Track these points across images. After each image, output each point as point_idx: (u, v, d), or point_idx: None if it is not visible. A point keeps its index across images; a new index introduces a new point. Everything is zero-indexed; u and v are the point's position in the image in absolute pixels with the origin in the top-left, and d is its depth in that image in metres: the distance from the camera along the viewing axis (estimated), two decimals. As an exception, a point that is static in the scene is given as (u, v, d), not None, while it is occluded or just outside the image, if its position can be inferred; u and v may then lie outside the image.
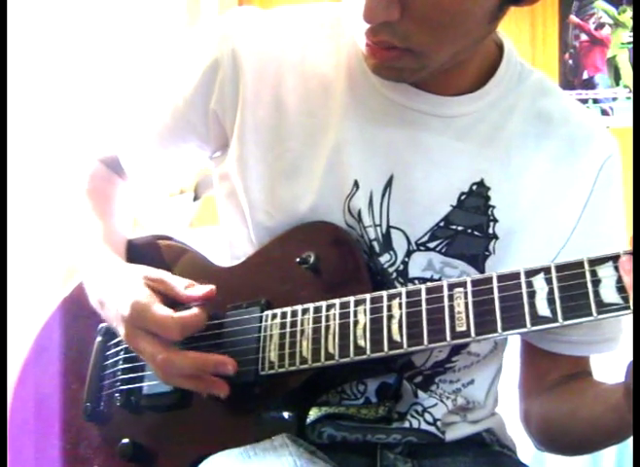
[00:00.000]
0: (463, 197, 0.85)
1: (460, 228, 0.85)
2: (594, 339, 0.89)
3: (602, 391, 0.85)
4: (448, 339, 0.72)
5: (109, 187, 1.03)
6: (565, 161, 0.88)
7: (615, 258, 0.67)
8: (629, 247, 0.68)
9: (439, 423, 0.87)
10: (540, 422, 0.93)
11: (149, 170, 1.02)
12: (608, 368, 1.06)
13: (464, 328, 0.71)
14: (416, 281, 0.85)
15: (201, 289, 0.81)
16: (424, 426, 0.87)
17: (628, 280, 0.65)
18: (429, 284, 0.75)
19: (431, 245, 0.85)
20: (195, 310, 0.79)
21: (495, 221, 0.86)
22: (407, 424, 0.86)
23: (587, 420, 0.84)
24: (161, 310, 0.78)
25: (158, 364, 0.78)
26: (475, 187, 0.86)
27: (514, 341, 0.97)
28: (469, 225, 0.85)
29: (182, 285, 0.81)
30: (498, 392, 0.98)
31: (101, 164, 1.04)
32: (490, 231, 0.85)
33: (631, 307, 0.66)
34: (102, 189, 1.02)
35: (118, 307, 0.82)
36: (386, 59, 0.77)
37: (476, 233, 0.85)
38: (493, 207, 0.86)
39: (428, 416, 0.87)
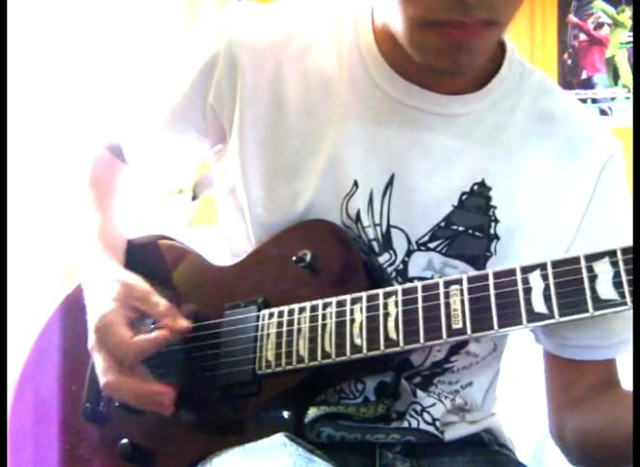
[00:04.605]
0: (464, 198, 0.85)
1: (461, 228, 0.85)
2: (609, 342, 0.87)
3: None
4: (445, 336, 0.72)
5: (112, 175, 1.04)
6: (567, 161, 0.87)
7: (611, 253, 0.68)
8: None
9: (437, 423, 0.87)
10: (576, 436, 0.90)
11: (151, 162, 1.03)
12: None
13: (460, 325, 0.71)
14: (416, 281, 0.84)
15: (177, 323, 0.81)
16: (423, 426, 0.87)
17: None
18: (425, 282, 0.75)
19: (431, 245, 0.85)
20: (154, 335, 0.80)
21: (496, 221, 0.85)
22: (405, 424, 0.86)
23: (628, 433, 0.80)
24: (121, 332, 0.79)
25: (103, 383, 0.80)
26: (476, 187, 0.85)
27: (512, 344, 0.97)
28: (470, 225, 0.85)
29: (161, 310, 0.82)
30: (496, 394, 0.98)
31: (106, 150, 1.05)
32: (491, 231, 0.85)
33: (629, 304, 0.66)
34: (105, 177, 1.03)
35: (90, 316, 0.84)
36: (472, 37, 0.74)
37: (477, 233, 0.85)
38: (494, 208, 0.85)
39: (427, 416, 0.87)
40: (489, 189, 0.85)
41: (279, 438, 0.74)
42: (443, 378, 0.89)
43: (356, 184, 0.84)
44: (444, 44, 0.74)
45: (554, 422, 0.93)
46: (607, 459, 0.88)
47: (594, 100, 2.81)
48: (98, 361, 0.81)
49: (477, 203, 0.85)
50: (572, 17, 2.81)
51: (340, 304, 0.77)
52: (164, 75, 0.97)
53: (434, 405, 0.87)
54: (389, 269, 0.85)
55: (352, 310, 0.77)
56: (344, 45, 0.87)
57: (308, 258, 0.81)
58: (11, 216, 1.34)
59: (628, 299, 0.66)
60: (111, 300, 0.82)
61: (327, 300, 0.78)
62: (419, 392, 0.87)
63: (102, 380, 0.80)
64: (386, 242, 0.85)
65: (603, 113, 2.80)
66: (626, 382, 0.83)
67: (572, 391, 0.91)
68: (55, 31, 1.76)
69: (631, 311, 0.68)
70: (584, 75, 2.82)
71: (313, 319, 0.78)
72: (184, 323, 0.81)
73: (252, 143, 0.88)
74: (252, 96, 0.87)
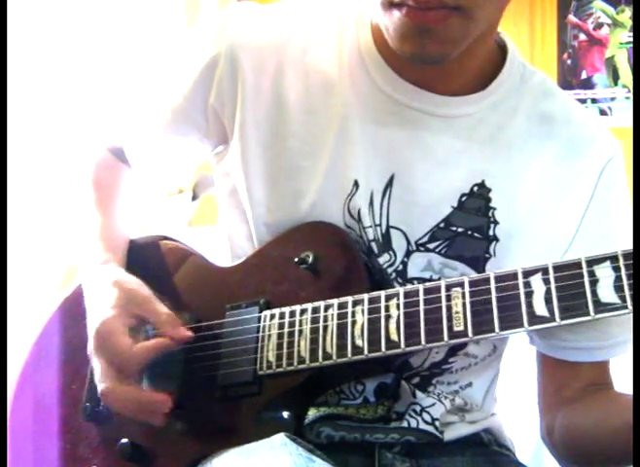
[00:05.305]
0: (464, 199, 0.85)
1: (460, 229, 0.85)
2: (606, 343, 0.87)
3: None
4: (446, 338, 0.72)
5: (114, 177, 1.04)
6: (567, 162, 0.87)
7: (613, 258, 0.68)
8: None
9: (437, 423, 0.87)
10: (564, 434, 0.90)
11: (153, 164, 1.03)
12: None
13: (461, 328, 0.72)
14: (415, 282, 0.85)
15: (177, 331, 0.81)
16: (422, 426, 0.87)
17: None
18: (427, 284, 0.75)
19: (431, 246, 0.85)
20: (153, 342, 0.80)
21: (496, 223, 0.85)
22: (405, 424, 0.86)
23: (614, 430, 0.81)
24: (121, 341, 0.79)
25: (101, 390, 0.80)
26: (476, 188, 0.85)
27: (513, 345, 0.97)
28: (469, 226, 0.85)
29: (162, 318, 0.82)
30: (496, 395, 0.98)
31: (108, 153, 1.05)
32: (491, 233, 0.85)
33: (629, 307, 0.66)
34: (107, 179, 1.03)
35: (90, 320, 0.84)
36: (432, 21, 0.73)
37: (476, 234, 0.85)
38: (494, 209, 0.85)
39: (426, 416, 0.87)
40: (489, 190, 0.85)
41: (280, 438, 0.74)
42: (441, 379, 0.89)
43: (356, 184, 0.85)
44: (408, 27, 0.74)
45: (544, 422, 0.93)
46: (593, 458, 0.88)
47: (594, 100, 2.81)
48: (97, 367, 0.81)
49: (476, 205, 0.85)
50: (572, 18, 2.82)
51: (342, 305, 0.78)
52: (165, 76, 0.97)
53: (433, 405, 0.88)
54: (389, 270, 0.85)
55: (354, 312, 0.77)
56: (345, 45, 0.87)
57: (310, 259, 0.81)
58: (11, 216, 1.34)
59: (629, 302, 0.66)
60: (111, 307, 0.81)
61: (328, 301, 0.78)
62: (418, 393, 0.87)
63: (100, 387, 0.80)
64: (386, 243, 0.85)
65: (603, 113, 2.80)
66: (625, 383, 0.83)
67: (564, 392, 0.91)
68: (56, 33, 1.76)
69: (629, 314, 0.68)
70: (583, 75, 2.82)
71: (315, 320, 0.78)
72: (184, 332, 0.81)
73: (253, 144, 0.88)
74: (253, 97, 0.87)
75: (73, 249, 1.01)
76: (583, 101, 2.77)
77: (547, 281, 0.70)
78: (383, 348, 0.74)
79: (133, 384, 0.80)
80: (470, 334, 0.71)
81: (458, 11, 0.73)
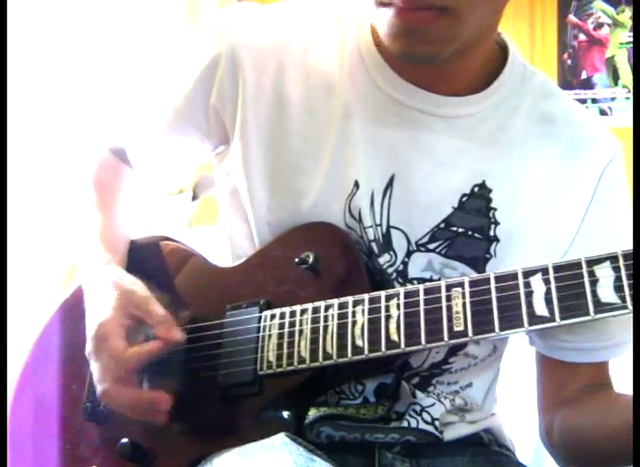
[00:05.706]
0: (464, 199, 0.85)
1: (461, 229, 0.85)
2: (605, 344, 0.87)
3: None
4: (446, 338, 0.72)
5: (116, 178, 1.04)
6: (567, 162, 0.87)
7: (613, 258, 0.68)
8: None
9: (437, 423, 0.87)
10: (562, 434, 0.90)
11: (154, 164, 1.03)
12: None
13: (461, 328, 0.72)
14: (416, 282, 0.85)
15: (171, 334, 0.81)
16: (422, 426, 0.87)
17: None
18: (427, 284, 0.75)
19: (431, 246, 0.85)
20: (147, 347, 0.80)
21: (496, 223, 0.86)
22: (405, 424, 0.86)
23: (613, 430, 0.81)
24: (116, 344, 0.80)
25: (100, 390, 0.80)
26: (476, 188, 0.85)
27: (513, 345, 0.97)
28: (469, 227, 0.85)
29: (157, 319, 0.82)
30: (496, 395, 0.98)
31: (110, 153, 1.05)
32: (491, 233, 0.85)
33: (629, 307, 0.66)
34: (109, 180, 1.03)
35: (89, 322, 0.84)
36: (419, 22, 0.73)
37: (476, 235, 0.85)
38: (495, 209, 0.86)
39: (426, 416, 0.87)
40: (490, 191, 0.86)
41: (280, 438, 0.74)
42: (441, 379, 0.90)
43: (357, 184, 0.85)
44: (398, 26, 0.74)
45: (543, 423, 0.93)
46: (592, 458, 0.88)
47: (594, 100, 2.82)
48: (95, 369, 0.81)
49: (477, 205, 0.85)
50: (572, 18, 2.82)
51: (342, 305, 0.78)
52: (166, 77, 0.97)
53: (433, 405, 0.88)
54: (389, 270, 0.85)
55: (354, 312, 0.77)
56: (346, 45, 0.87)
57: (311, 260, 0.81)
58: (11, 216, 1.34)
59: (629, 302, 0.67)
60: (109, 308, 0.82)
61: (329, 301, 0.79)
62: (418, 393, 0.88)
63: (99, 389, 0.80)
64: (386, 243, 0.85)
65: (603, 113, 2.80)
66: (625, 383, 0.84)
67: (563, 392, 0.91)
68: (56, 33, 1.76)
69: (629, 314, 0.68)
70: (583, 75, 2.83)
71: (315, 321, 0.78)
72: (178, 334, 0.81)
73: (255, 144, 0.88)
74: (254, 97, 0.87)
75: (73, 250, 1.00)
76: (583, 101, 2.77)
77: (547, 281, 0.70)
78: (383, 348, 0.74)
79: (131, 385, 0.80)
80: (470, 334, 0.71)
81: (446, 12, 0.73)
